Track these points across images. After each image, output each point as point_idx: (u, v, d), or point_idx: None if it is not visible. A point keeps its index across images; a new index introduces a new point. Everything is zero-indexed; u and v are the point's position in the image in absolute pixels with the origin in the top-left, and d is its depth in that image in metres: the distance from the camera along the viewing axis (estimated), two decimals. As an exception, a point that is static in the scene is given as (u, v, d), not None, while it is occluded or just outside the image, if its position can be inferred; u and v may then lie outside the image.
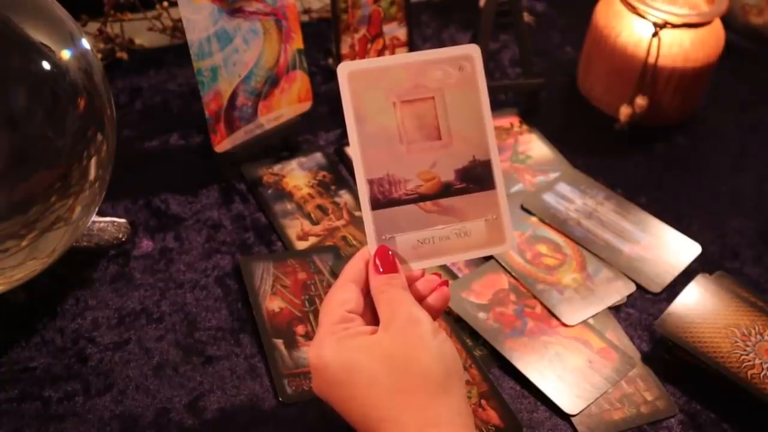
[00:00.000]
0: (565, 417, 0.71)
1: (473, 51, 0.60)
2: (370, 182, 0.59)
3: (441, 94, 0.59)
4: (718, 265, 0.85)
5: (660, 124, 1.01)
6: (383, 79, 0.59)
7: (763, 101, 1.09)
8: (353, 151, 0.58)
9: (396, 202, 0.59)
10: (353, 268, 0.59)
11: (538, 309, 0.79)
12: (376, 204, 0.59)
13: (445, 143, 0.59)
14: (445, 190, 0.60)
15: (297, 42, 0.88)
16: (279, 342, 0.73)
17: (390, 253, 0.59)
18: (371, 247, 0.59)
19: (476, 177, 0.60)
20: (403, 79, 0.59)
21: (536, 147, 0.97)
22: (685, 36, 0.95)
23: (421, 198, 0.59)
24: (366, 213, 0.59)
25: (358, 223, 0.85)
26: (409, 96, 0.59)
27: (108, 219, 0.79)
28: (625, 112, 0.97)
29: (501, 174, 0.60)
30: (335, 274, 0.78)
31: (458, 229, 0.60)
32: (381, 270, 0.58)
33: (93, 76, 0.68)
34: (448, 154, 0.60)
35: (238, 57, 0.83)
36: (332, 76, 1.02)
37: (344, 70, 0.58)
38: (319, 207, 0.87)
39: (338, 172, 0.91)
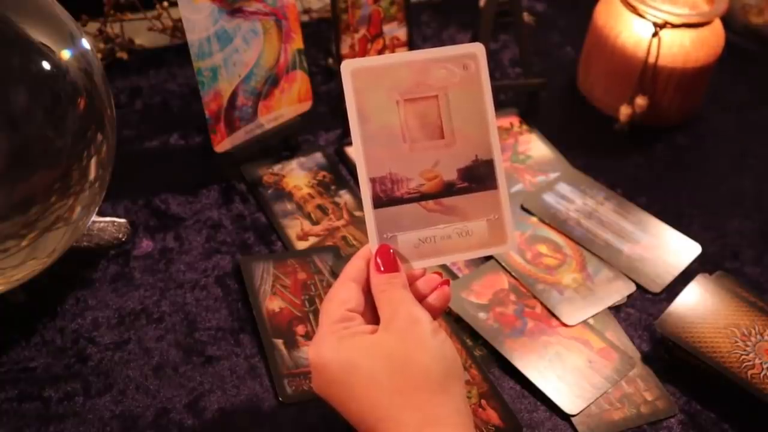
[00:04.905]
0: (565, 417, 0.71)
1: (478, 50, 0.60)
2: (373, 181, 0.58)
3: (444, 92, 0.59)
4: (718, 265, 0.85)
5: (660, 124, 1.01)
6: (387, 77, 0.58)
7: (763, 101, 1.09)
8: (356, 149, 0.58)
9: (398, 200, 0.59)
10: (354, 267, 0.59)
11: (538, 309, 0.79)
12: (378, 202, 0.59)
13: (448, 142, 0.59)
14: (448, 190, 0.60)
15: (297, 42, 0.88)
16: (279, 342, 0.73)
17: (391, 251, 0.58)
18: (372, 245, 0.59)
19: (479, 176, 0.60)
20: (407, 77, 0.59)
21: (536, 147, 0.97)
22: (685, 36, 0.95)
23: (423, 197, 0.59)
24: (368, 211, 0.59)
25: (358, 223, 0.85)
26: (412, 94, 0.59)
27: (108, 219, 0.79)
28: (625, 112, 0.97)
29: (504, 173, 0.60)
30: (335, 274, 0.78)
31: (460, 228, 0.60)
32: (382, 269, 0.58)
33: (93, 76, 0.68)
34: (451, 153, 0.59)
35: (238, 57, 0.83)
36: (332, 76, 1.02)
37: (347, 68, 0.58)
38: (319, 207, 0.87)
39: (338, 172, 0.91)
